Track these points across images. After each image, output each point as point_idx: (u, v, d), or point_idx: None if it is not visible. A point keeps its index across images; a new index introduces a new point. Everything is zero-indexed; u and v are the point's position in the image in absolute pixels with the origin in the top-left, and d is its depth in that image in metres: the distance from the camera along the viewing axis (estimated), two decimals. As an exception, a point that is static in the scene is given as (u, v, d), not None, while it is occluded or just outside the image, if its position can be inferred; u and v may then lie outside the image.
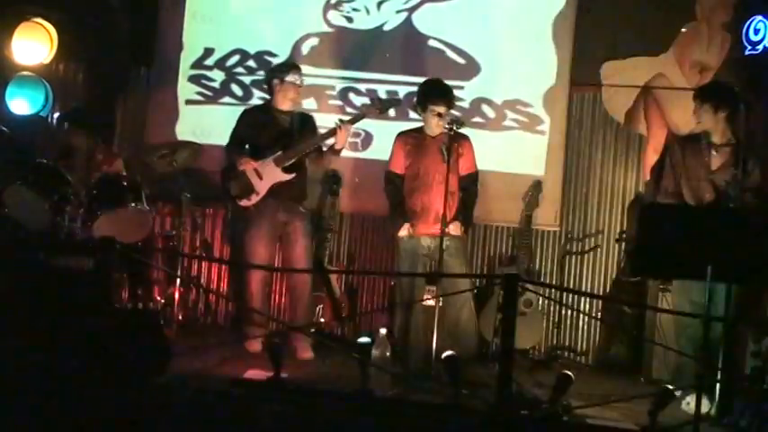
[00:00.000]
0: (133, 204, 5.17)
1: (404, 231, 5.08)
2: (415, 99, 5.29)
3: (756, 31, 5.80)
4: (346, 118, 5.38)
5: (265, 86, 5.52)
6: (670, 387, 3.87)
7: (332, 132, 5.09)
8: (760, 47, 5.78)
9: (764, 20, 5.75)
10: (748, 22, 5.78)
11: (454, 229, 4.99)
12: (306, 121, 5.34)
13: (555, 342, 6.11)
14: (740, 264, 3.60)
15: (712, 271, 3.56)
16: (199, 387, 3.85)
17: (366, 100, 6.29)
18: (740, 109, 4.49)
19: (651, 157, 6.09)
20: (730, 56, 6.01)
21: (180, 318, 5.59)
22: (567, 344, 6.17)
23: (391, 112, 6.26)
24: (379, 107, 5.34)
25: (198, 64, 6.51)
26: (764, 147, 5.18)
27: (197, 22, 6.52)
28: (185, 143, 5.91)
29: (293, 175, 5.13)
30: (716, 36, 6.08)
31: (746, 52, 5.80)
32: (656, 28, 6.11)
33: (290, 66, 5.45)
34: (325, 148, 5.29)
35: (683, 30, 6.11)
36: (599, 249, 6.21)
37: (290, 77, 5.24)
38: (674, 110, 6.10)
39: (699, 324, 4.00)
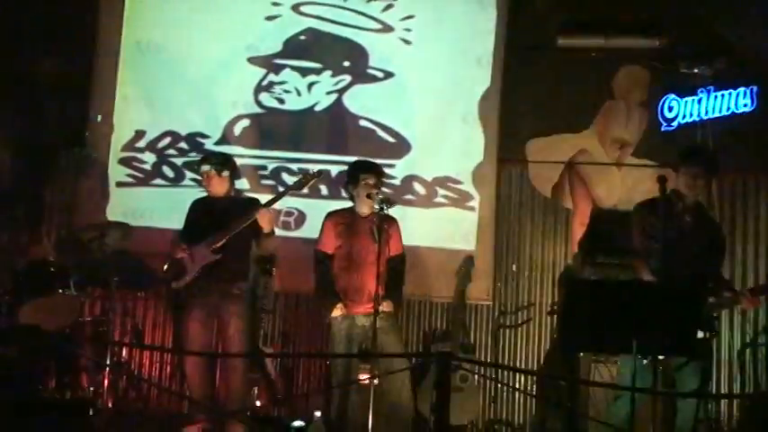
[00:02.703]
0: (60, 290, 5.07)
1: (337, 312, 5.07)
2: (345, 179, 5.35)
3: (671, 109, 6.10)
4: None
5: None
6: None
7: (250, 215, 5.09)
8: (674, 123, 6.07)
9: (677, 98, 6.05)
10: (662, 101, 6.08)
11: (386, 306, 5.00)
12: (245, 203, 5.31)
13: (492, 416, 6.12)
14: (664, 337, 3.68)
15: (638, 345, 3.65)
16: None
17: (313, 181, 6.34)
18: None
19: (578, 230, 6.26)
20: (648, 132, 6.26)
21: (110, 405, 5.43)
22: (503, 418, 6.19)
23: (324, 190, 6.37)
24: (297, 185, 5.35)
25: (129, 146, 6.50)
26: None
27: (128, 104, 6.54)
28: (116, 224, 5.84)
29: (219, 255, 5.10)
30: (633, 113, 6.35)
31: (662, 128, 6.08)
32: (578, 107, 6.35)
33: (203, 158, 5.48)
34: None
35: (603, 108, 6.36)
36: (532, 322, 6.30)
37: (203, 168, 5.30)
38: (598, 184, 6.32)
39: (627, 399, 4.07)
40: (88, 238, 5.49)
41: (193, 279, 5.12)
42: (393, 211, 5.10)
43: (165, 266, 5.21)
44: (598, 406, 5.21)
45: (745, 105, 5.95)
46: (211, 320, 5.18)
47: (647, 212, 4.48)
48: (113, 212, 6.37)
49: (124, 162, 6.50)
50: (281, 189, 6.34)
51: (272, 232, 5.22)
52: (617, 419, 4.27)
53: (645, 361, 3.82)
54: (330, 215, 5.29)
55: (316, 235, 5.53)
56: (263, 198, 5.34)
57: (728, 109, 5.97)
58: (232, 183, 5.33)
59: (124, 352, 6.03)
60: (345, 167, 5.54)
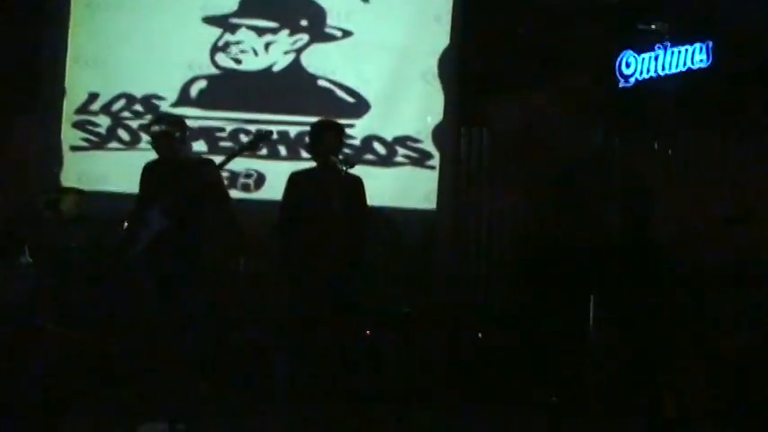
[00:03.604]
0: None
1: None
2: (307, 139, 5.30)
3: (628, 65, 6.12)
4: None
5: None
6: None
7: (198, 180, 4.99)
8: (632, 79, 6.10)
9: (634, 55, 6.08)
10: (619, 57, 6.10)
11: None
12: (197, 165, 5.21)
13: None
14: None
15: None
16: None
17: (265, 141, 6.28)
18: None
19: (538, 188, 6.29)
20: (607, 88, 6.28)
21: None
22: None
23: (282, 151, 6.31)
24: (248, 145, 5.25)
25: (82, 109, 6.37)
26: (644, 177, 5.43)
27: (80, 66, 6.39)
28: (69, 189, 5.74)
29: (172, 219, 5.01)
30: (594, 68, 6.36)
31: (620, 85, 6.11)
32: (539, 63, 6.33)
33: (152, 120, 5.37)
34: None
35: (561, 64, 6.36)
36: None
37: (152, 130, 5.18)
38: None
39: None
40: (43, 204, 5.37)
41: (149, 245, 5.05)
42: (353, 171, 5.09)
43: (123, 230, 5.14)
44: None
45: (701, 61, 5.99)
46: (166, 286, 5.12)
47: None
48: (68, 178, 6.26)
49: (78, 125, 6.36)
50: (237, 150, 6.29)
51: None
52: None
53: None
54: (293, 175, 5.24)
55: (275, 197, 5.48)
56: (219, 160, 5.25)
57: (685, 65, 6.02)
58: (184, 144, 5.24)
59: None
60: (304, 128, 5.51)
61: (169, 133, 5.14)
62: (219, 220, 5.63)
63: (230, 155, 5.17)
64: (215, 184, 5.02)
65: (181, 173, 5.09)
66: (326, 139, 5.04)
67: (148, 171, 5.27)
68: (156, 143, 5.17)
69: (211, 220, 5.35)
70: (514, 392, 5.15)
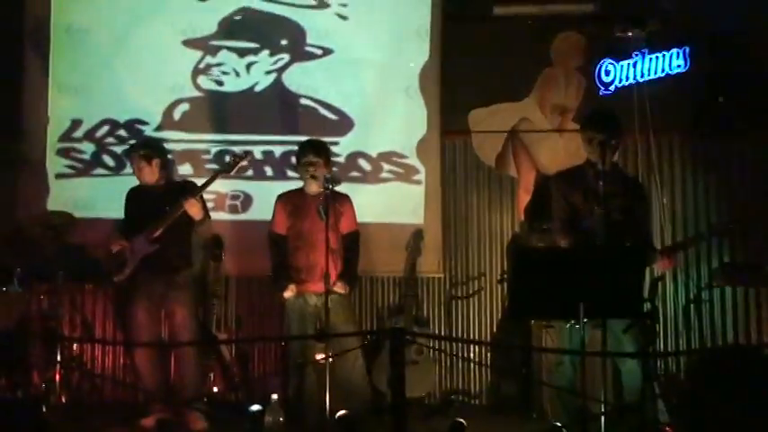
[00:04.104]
0: (3, 288, 4.97)
1: (288, 293, 5.09)
2: (293, 159, 5.33)
3: (607, 73, 6.17)
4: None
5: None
6: (558, 424, 3.99)
7: (179, 207, 5.03)
8: (612, 87, 6.15)
9: (614, 62, 6.13)
10: (599, 65, 6.15)
11: (339, 287, 5.04)
12: (179, 190, 5.23)
13: (449, 387, 6.20)
14: (609, 300, 3.76)
15: (584, 309, 3.73)
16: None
17: (243, 162, 6.30)
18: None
19: (523, 198, 6.32)
20: (587, 97, 6.34)
21: (63, 400, 5.37)
22: (460, 387, 6.27)
23: (269, 171, 6.33)
24: (227, 167, 5.27)
25: (66, 136, 6.37)
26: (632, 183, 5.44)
27: (62, 93, 6.39)
28: (58, 213, 5.76)
29: (158, 245, 5.04)
30: (572, 79, 6.41)
31: (600, 93, 6.16)
32: (517, 75, 6.39)
33: (129, 148, 5.46)
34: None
35: (541, 75, 6.42)
36: (483, 291, 6.37)
37: (131, 157, 5.26)
38: (541, 151, 6.38)
39: (570, 362, 4.18)
40: (38, 233, 5.40)
41: (134, 271, 5.07)
42: (340, 189, 5.12)
43: (107, 258, 5.16)
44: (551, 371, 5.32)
45: (679, 66, 6.04)
46: (157, 310, 5.15)
47: (562, 181, 4.57)
48: (54, 205, 6.23)
49: (62, 153, 6.36)
50: (223, 173, 6.31)
51: (205, 218, 5.16)
52: (563, 384, 4.36)
53: (577, 326, 3.88)
54: (281, 197, 5.30)
55: (264, 217, 5.53)
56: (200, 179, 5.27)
57: (663, 70, 6.06)
58: (165, 169, 5.26)
59: (75, 346, 5.94)
60: (289, 147, 5.53)
61: (149, 159, 5.18)
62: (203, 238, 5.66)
63: (208, 180, 5.20)
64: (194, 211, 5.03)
65: (163, 198, 5.11)
66: (308, 159, 5.07)
67: (132, 197, 5.31)
68: (137, 169, 5.20)
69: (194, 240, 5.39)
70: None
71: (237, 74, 6.42)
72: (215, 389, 5.65)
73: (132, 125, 6.34)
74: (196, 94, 6.40)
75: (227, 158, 5.72)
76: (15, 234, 5.78)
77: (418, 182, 6.35)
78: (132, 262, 5.08)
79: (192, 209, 5.02)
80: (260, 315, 6.27)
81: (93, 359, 6.18)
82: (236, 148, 6.30)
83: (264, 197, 5.70)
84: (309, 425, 4.82)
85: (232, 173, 5.26)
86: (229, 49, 6.41)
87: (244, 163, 5.27)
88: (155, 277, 5.11)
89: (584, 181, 4.46)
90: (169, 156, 5.54)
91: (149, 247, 5.05)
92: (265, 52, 6.42)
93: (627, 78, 6.11)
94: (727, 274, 5.60)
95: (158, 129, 6.31)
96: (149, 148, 5.26)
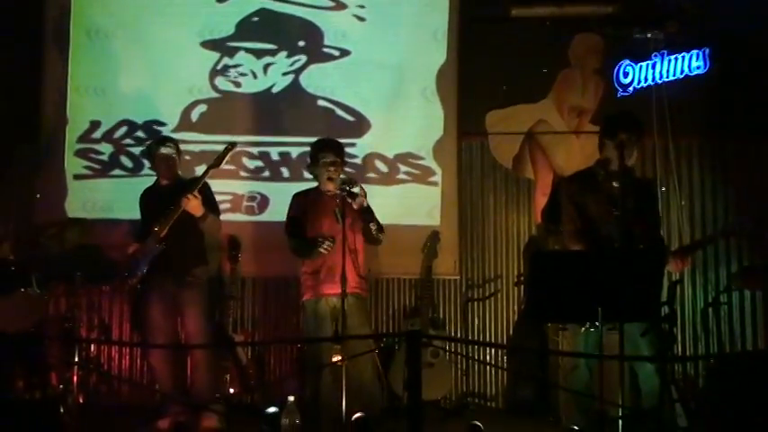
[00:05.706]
0: (22, 290, 5.00)
1: (326, 246, 4.92)
2: (308, 159, 5.29)
3: (626, 74, 6.14)
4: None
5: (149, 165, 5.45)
6: (575, 427, 3.96)
7: (178, 205, 5.02)
8: (630, 88, 6.12)
9: (632, 64, 6.10)
10: (617, 67, 6.12)
11: (357, 286, 4.98)
12: (184, 188, 5.15)
13: (465, 389, 6.18)
14: (627, 303, 3.73)
15: (603, 312, 3.69)
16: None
17: (259, 162, 6.33)
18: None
19: (540, 200, 6.29)
20: (604, 98, 6.30)
21: (81, 402, 5.40)
22: (476, 390, 6.25)
23: (285, 172, 6.33)
24: (216, 162, 5.16)
25: (84, 137, 6.40)
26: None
27: (80, 95, 6.43)
28: (74, 220, 5.78)
29: (164, 245, 5.03)
30: (589, 81, 6.38)
31: (618, 95, 6.13)
32: (534, 76, 6.36)
33: (162, 139, 5.40)
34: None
35: (559, 77, 6.39)
36: (499, 294, 6.34)
37: (163, 150, 5.20)
38: (558, 153, 6.35)
39: (585, 365, 4.15)
40: (47, 236, 5.41)
41: (145, 272, 5.07)
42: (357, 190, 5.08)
43: (122, 261, 5.18)
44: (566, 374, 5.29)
45: (698, 68, 6.01)
46: (171, 311, 5.14)
47: (572, 185, 4.51)
48: (72, 206, 6.29)
49: (81, 154, 6.40)
50: (242, 173, 6.33)
51: (207, 214, 5.10)
52: (578, 388, 4.33)
53: (592, 329, 3.84)
54: (296, 196, 5.25)
55: (280, 218, 5.50)
56: (221, 183, 5.26)
57: (682, 72, 6.03)
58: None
59: (92, 347, 5.98)
60: (306, 149, 5.51)
61: (179, 151, 5.20)
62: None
63: (201, 176, 5.11)
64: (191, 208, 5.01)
65: (171, 197, 5.10)
66: (322, 158, 5.04)
67: (147, 196, 5.31)
68: (165, 160, 5.18)
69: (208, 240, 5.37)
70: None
71: (255, 75, 6.43)
72: (231, 390, 5.66)
73: (150, 126, 6.37)
74: (214, 95, 6.42)
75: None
76: (30, 237, 5.81)
77: (435, 183, 6.34)
78: (143, 263, 5.08)
79: (190, 205, 4.99)
80: (275, 317, 6.28)
81: (110, 360, 6.21)
82: (254, 150, 6.33)
83: (281, 198, 5.70)
84: (326, 427, 4.81)
85: (221, 165, 5.17)
86: (247, 50, 6.43)
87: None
88: (166, 277, 5.11)
89: (594, 183, 4.41)
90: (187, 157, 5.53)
91: (157, 247, 5.05)
92: (283, 53, 6.43)
93: (645, 80, 6.08)
94: (745, 277, 5.56)
95: (176, 130, 6.32)
96: (175, 145, 5.27)
